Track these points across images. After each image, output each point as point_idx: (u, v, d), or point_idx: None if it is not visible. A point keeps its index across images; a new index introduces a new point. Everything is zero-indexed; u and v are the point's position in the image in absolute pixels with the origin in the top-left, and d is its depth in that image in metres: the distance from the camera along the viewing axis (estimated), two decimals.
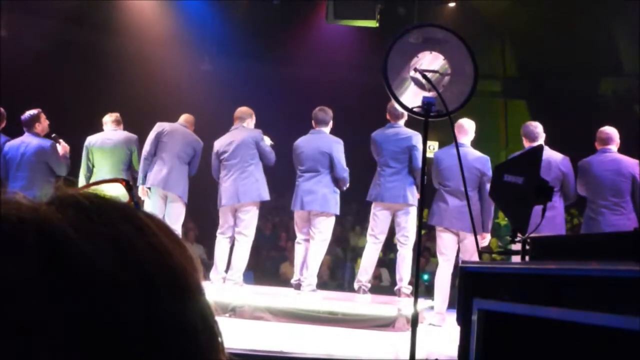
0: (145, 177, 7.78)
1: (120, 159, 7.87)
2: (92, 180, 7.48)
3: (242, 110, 8.00)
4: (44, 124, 7.79)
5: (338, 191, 7.72)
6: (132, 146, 7.94)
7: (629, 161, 6.95)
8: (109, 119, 8.04)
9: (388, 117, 7.64)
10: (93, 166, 7.92)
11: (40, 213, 0.50)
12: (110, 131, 7.97)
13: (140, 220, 0.54)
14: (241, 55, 14.26)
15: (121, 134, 7.97)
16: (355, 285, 7.84)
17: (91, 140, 7.96)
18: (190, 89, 12.15)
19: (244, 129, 7.85)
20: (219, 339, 0.57)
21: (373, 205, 7.71)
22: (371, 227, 7.75)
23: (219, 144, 7.87)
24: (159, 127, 7.94)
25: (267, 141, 7.91)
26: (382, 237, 7.73)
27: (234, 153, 7.73)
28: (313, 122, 7.84)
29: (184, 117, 8.15)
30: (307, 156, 7.68)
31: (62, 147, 7.78)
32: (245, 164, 7.71)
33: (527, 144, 7.08)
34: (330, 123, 7.82)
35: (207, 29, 13.75)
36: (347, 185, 7.79)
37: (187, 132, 8.00)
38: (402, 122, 7.57)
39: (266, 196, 7.82)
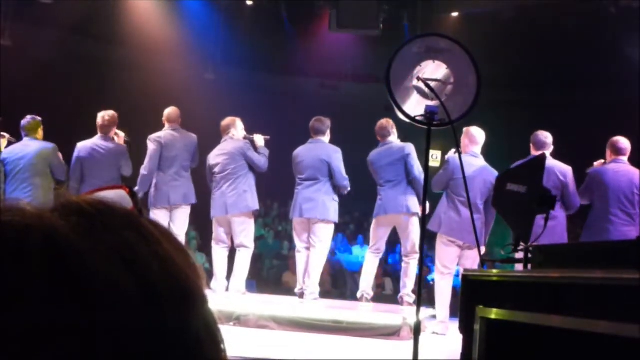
0: (146, 194, 7.76)
1: (111, 170, 7.66)
2: (82, 191, 7.43)
3: (226, 121, 8.05)
4: (41, 133, 7.74)
5: (337, 199, 7.75)
6: (122, 156, 7.74)
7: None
8: (100, 125, 7.74)
9: (379, 138, 7.71)
10: (83, 176, 7.70)
11: (44, 220, 0.50)
12: (99, 140, 7.74)
13: (144, 228, 0.54)
14: (245, 64, 14.29)
15: (110, 145, 7.72)
16: (358, 294, 7.84)
17: (80, 150, 7.71)
18: (194, 98, 12.15)
19: (232, 141, 7.89)
20: (222, 347, 0.57)
21: (374, 221, 7.75)
22: (371, 242, 7.83)
23: (210, 158, 7.95)
24: (156, 142, 7.86)
25: (260, 140, 7.95)
26: (382, 249, 7.85)
27: (222, 166, 7.80)
28: (311, 132, 7.89)
29: (170, 117, 8.02)
30: (306, 165, 7.72)
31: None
32: (234, 176, 7.76)
33: (533, 152, 7.08)
34: (328, 132, 7.87)
35: (210, 39, 13.79)
36: (348, 189, 7.82)
37: (182, 137, 7.95)
38: (391, 138, 7.65)
39: (254, 206, 7.84)
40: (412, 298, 7.49)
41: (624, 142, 7.11)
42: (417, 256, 7.39)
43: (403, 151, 7.49)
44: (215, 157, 7.88)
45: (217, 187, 7.82)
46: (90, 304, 0.48)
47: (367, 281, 7.79)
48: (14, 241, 0.48)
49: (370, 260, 7.80)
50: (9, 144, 7.82)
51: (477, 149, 7.22)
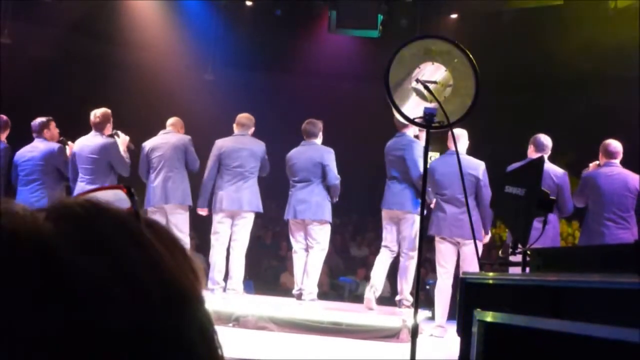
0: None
1: (100, 166, 7.57)
2: (76, 189, 7.47)
3: (247, 117, 8.04)
4: (53, 132, 7.84)
5: (330, 198, 7.77)
6: (111, 152, 7.62)
7: (634, 177, 7.01)
8: (92, 122, 7.66)
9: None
10: (77, 173, 7.60)
11: (33, 224, 0.50)
12: (91, 136, 7.67)
13: (138, 230, 0.54)
14: (244, 65, 14.29)
15: (99, 140, 7.61)
16: (367, 288, 7.79)
17: (74, 147, 7.66)
18: (193, 99, 12.16)
19: (252, 140, 7.92)
20: (219, 350, 0.56)
21: (382, 215, 7.72)
22: (383, 236, 7.76)
23: (223, 147, 7.86)
24: (144, 148, 7.89)
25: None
26: (395, 248, 7.67)
27: (242, 162, 7.78)
28: (303, 135, 7.91)
29: (169, 123, 8.04)
30: (299, 167, 7.76)
31: (70, 149, 7.79)
32: (251, 174, 7.79)
33: (532, 154, 7.09)
34: (320, 134, 7.91)
35: (210, 39, 13.79)
36: (337, 195, 7.83)
37: (170, 138, 7.89)
38: (407, 130, 7.55)
39: (262, 208, 7.90)
40: (410, 301, 7.49)
41: (615, 145, 7.14)
42: (414, 255, 7.42)
43: (405, 149, 7.47)
44: (231, 150, 7.82)
45: (230, 181, 7.76)
46: (80, 310, 0.47)
47: (374, 280, 7.70)
48: (3, 246, 0.48)
49: (380, 258, 7.71)
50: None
51: (459, 147, 7.19)
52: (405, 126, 7.49)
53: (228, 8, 13.45)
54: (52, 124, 7.86)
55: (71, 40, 12.68)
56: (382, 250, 7.73)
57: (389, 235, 7.66)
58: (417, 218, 7.41)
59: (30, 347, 0.46)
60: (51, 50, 12.22)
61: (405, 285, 7.58)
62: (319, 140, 7.90)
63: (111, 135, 7.76)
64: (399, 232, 7.62)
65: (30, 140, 7.83)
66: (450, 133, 7.05)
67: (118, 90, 11.69)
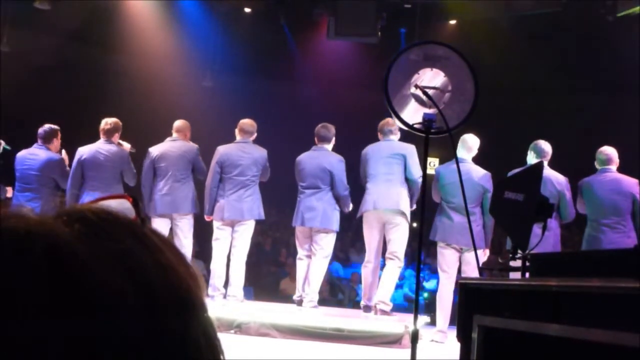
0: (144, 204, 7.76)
1: (112, 174, 7.62)
2: (81, 197, 7.45)
3: (250, 123, 7.95)
4: (58, 143, 7.81)
5: (339, 208, 7.71)
6: (124, 161, 7.70)
7: (629, 181, 7.04)
8: (103, 129, 7.70)
9: (379, 135, 7.65)
10: (84, 180, 7.61)
11: (48, 227, 0.50)
12: (102, 144, 7.68)
13: (147, 237, 0.54)
14: (242, 72, 14.29)
15: (113, 148, 7.67)
16: (361, 305, 7.78)
17: (82, 154, 7.63)
18: (192, 106, 12.15)
19: (254, 147, 7.86)
20: (221, 356, 0.57)
21: (364, 218, 7.59)
22: (367, 244, 7.64)
23: (225, 154, 7.79)
24: (150, 154, 7.86)
25: None
26: (372, 259, 7.57)
27: (244, 170, 7.73)
28: (315, 138, 7.84)
29: (175, 127, 8.01)
30: (308, 172, 7.67)
31: (65, 159, 7.78)
32: (253, 182, 7.75)
33: (532, 160, 7.10)
34: (333, 140, 7.82)
35: (208, 46, 13.80)
36: (349, 206, 7.77)
37: (178, 146, 7.88)
38: (393, 137, 7.57)
39: (263, 215, 7.87)
40: (389, 307, 7.43)
41: (608, 152, 7.18)
42: (400, 260, 7.45)
43: (405, 150, 7.42)
44: (234, 158, 7.75)
45: (232, 189, 7.70)
46: (92, 312, 0.48)
47: (364, 292, 7.70)
48: (16, 248, 0.48)
49: (364, 273, 7.68)
50: (4, 151, 7.81)
51: (469, 155, 7.22)
52: (392, 132, 7.52)
53: (227, 15, 13.45)
54: (59, 135, 7.83)
55: (70, 48, 12.69)
56: (363, 268, 7.71)
57: (373, 238, 7.56)
58: (406, 221, 7.41)
59: (44, 350, 0.46)
60: (50, 58, 12.23)
61: (383, 289, 7.46)
62: (330, 145, 7.81)
63: (117, 144, 7.78)
64: (385, 236, 7.54)
65: (28, 147, 7.80)
66: (457, 139, 7.10)
67: (117, 97, 11.70)
